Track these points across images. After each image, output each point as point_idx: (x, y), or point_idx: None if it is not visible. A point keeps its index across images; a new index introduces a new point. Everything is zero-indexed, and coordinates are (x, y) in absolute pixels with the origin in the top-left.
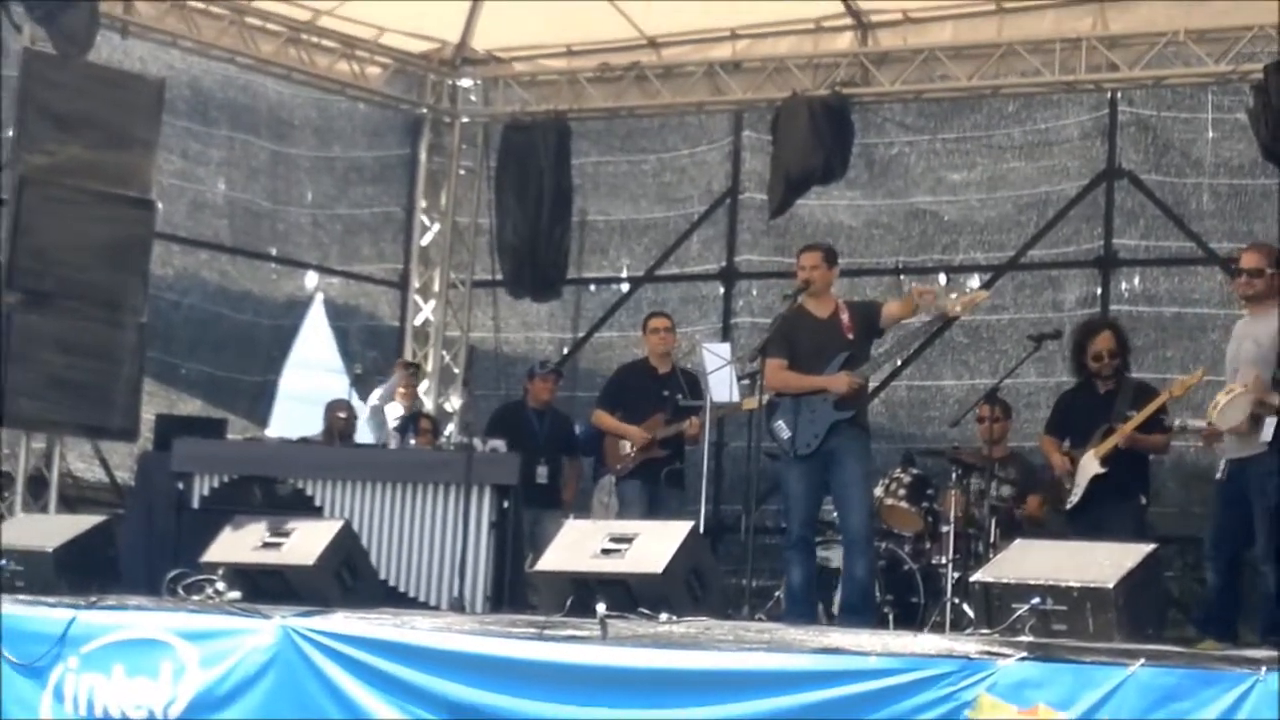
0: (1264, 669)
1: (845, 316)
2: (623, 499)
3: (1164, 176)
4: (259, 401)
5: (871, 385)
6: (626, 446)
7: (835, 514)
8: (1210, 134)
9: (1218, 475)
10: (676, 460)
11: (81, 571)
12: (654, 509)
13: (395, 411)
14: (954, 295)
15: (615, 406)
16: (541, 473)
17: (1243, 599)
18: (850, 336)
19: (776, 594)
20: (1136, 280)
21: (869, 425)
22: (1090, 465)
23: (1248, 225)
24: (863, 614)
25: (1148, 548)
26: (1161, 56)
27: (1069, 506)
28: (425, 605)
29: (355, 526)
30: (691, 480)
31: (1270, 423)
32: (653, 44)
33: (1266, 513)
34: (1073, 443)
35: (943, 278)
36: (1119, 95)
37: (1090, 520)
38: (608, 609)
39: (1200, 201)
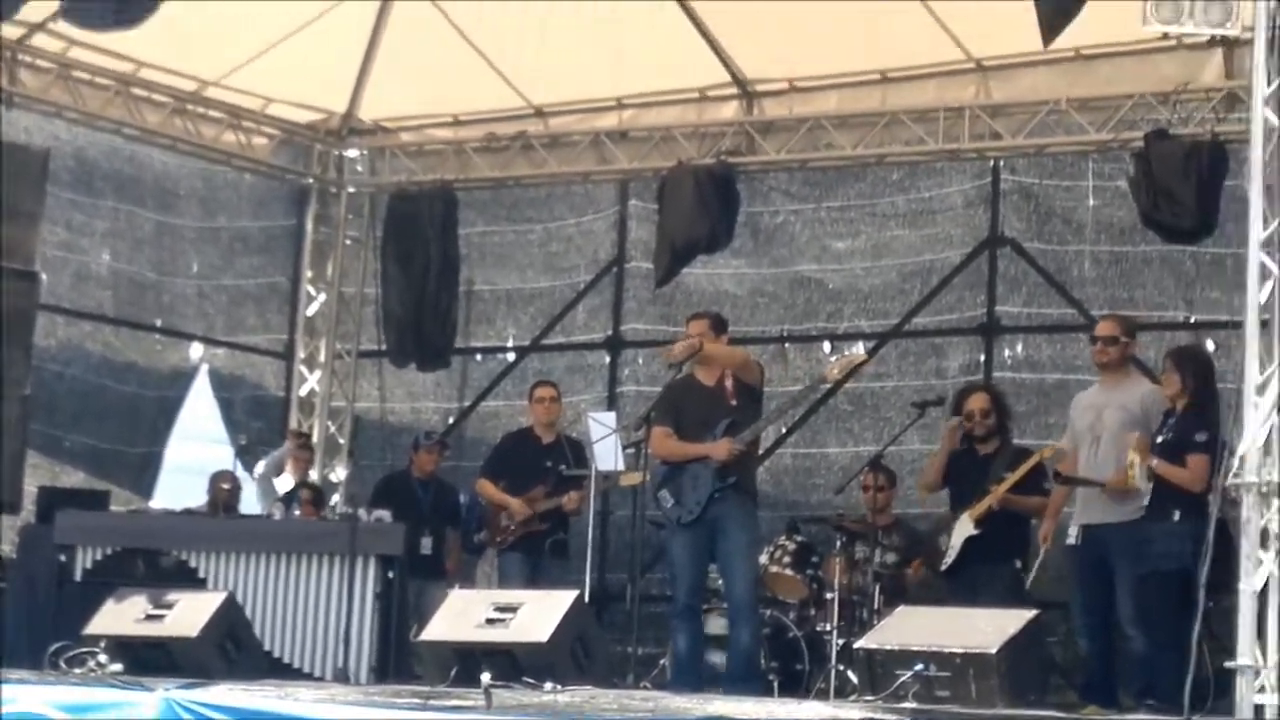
0: None
1: (730, 383)
2: (503, 572)
3: (1046, 244)
4: (143, 473)
5: (759, 452)
6: (506, 518)
7: (720, 582)
8: (1091, 201)
9: (1070, 540)
10: (560, 531)
11: None
12: (536, 580)
13: (287, 483)
14: (834, 358)
15: (499, 475)
16: (426, 543)
17: (1118, 662)
18: (734, 403)
19: (662, 662)
20: (1020, 347)
21: (755, 492)
22: (964, 526)
23: (1129, 292)
24: (749, 682)
25: (1029, 613)
26: (1044, 125)
27: (944, 568)
28: (309, 676)
29: (240, 597)
30: (576, 549)
31: (1148, 490)
32: (539, 113)
33: (1135, 577)
34: (953, 503)
35: (827, 345)
36: (1001, 163)
37: (966, 582)
38: (492, 679)
39: (1082, 268)
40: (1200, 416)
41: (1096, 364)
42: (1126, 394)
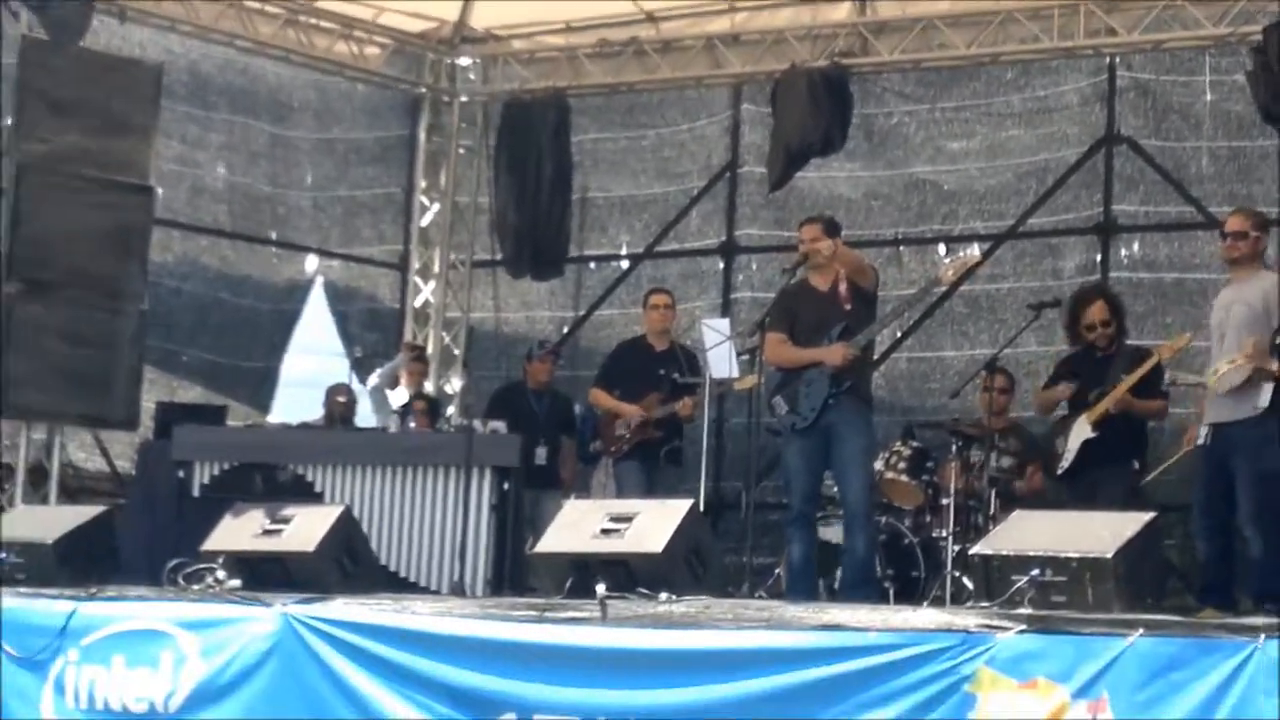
0: (1262, 637)
1: (843, 287)
2: (620, 480)
3: (1163, 141)
4: (260, 387)
5: (873, 357)
6: (622, 426)
7: (836, 489)
8: (1208, 96)
9: (1200, 440)
10: (675, 439)
11: (82, 563)
12: (652, 489)
13: (401, 396)
14: (948, 260)
15: (613, 385)
16: (540, 454)
17: (1236, 565)
18: (848, 307)
19: (777, 571)
20: (1136, 246)
21: (871, 397)
22: (1082, 429)
23: (1247, 188)
24: (864, 589)
25: (1147, 516)
26: (1159, 20)
27: (1060, 471)
28: (425, 590)
29: (355, 511)
30: (692, 457)
31: (1268, 388)
32: (651, 19)
33: (1253, 477)
34: (1071, 408)
35: (942, 248)
36: (1117, 60)
37: (1083, 485)
38: (608, 589)
39: (1199, 165)
40: None
41: (1225, 260)
42: (1252, 289)
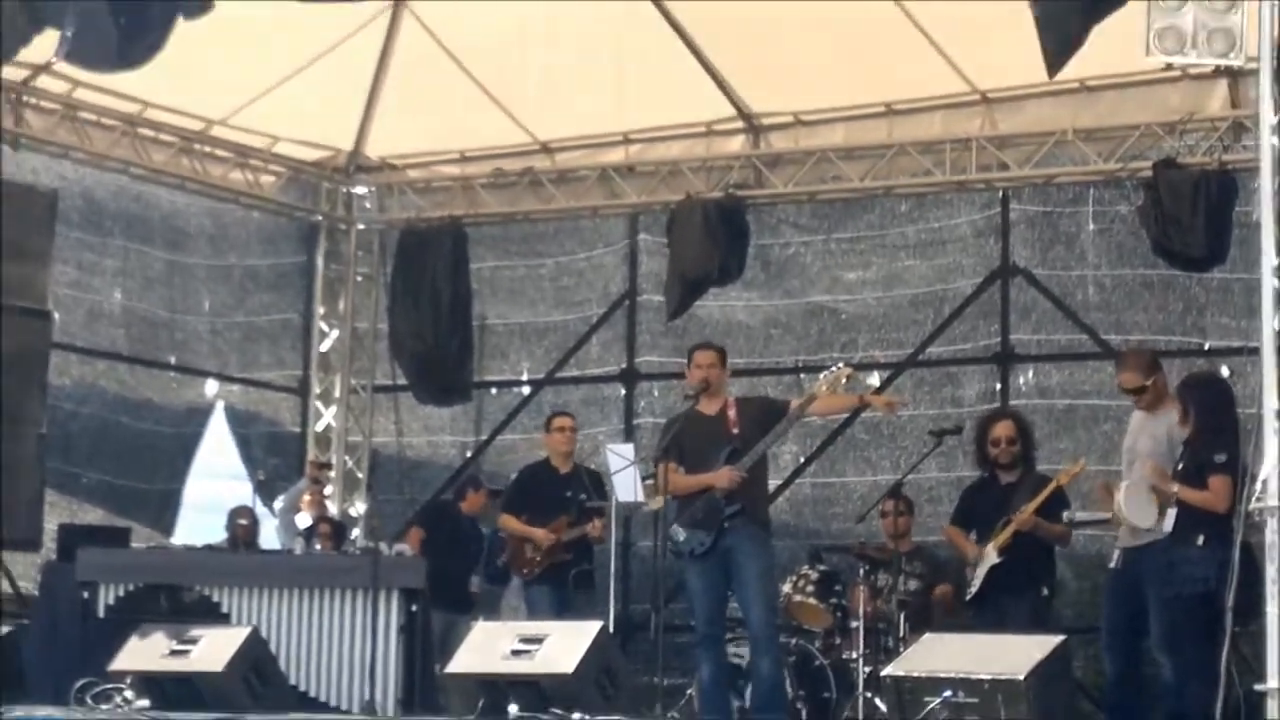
0: None
1: (732, 412)
2: (531, 603)
3: (1050, 270)
4: (163, 510)
5: (774, 483)
6: (531, 549)
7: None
8: (1091, 226)
9: (1112, 564)
10: (584, 561)
11: None
12: (562, 612)
13: (306, 520)
14: (820, 376)
15: (520, 509)
16: (475, 581)
17: (1145, 687)
18: (735, 431)
19: (689, 692)
20: (1030, 374)
21: (768, 520)
22: (989, 556)
23: (1133, 315)
24: (774, 711)
25: (1056, 639)
26: (1050, 155)
27: (968, 597)
28: (336, 710)
29: (263, 632)
30: (600, 580)
31: (1171, 513)
32: (546, 149)
33: (1162, 602)
34: (978, 535)
35: (835, 368)
36: (1009, 193)
37: (992, 610)
38: (520, 710)
39: (1086, 293)
40: (1217, 439)
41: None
42: (1158, 423)
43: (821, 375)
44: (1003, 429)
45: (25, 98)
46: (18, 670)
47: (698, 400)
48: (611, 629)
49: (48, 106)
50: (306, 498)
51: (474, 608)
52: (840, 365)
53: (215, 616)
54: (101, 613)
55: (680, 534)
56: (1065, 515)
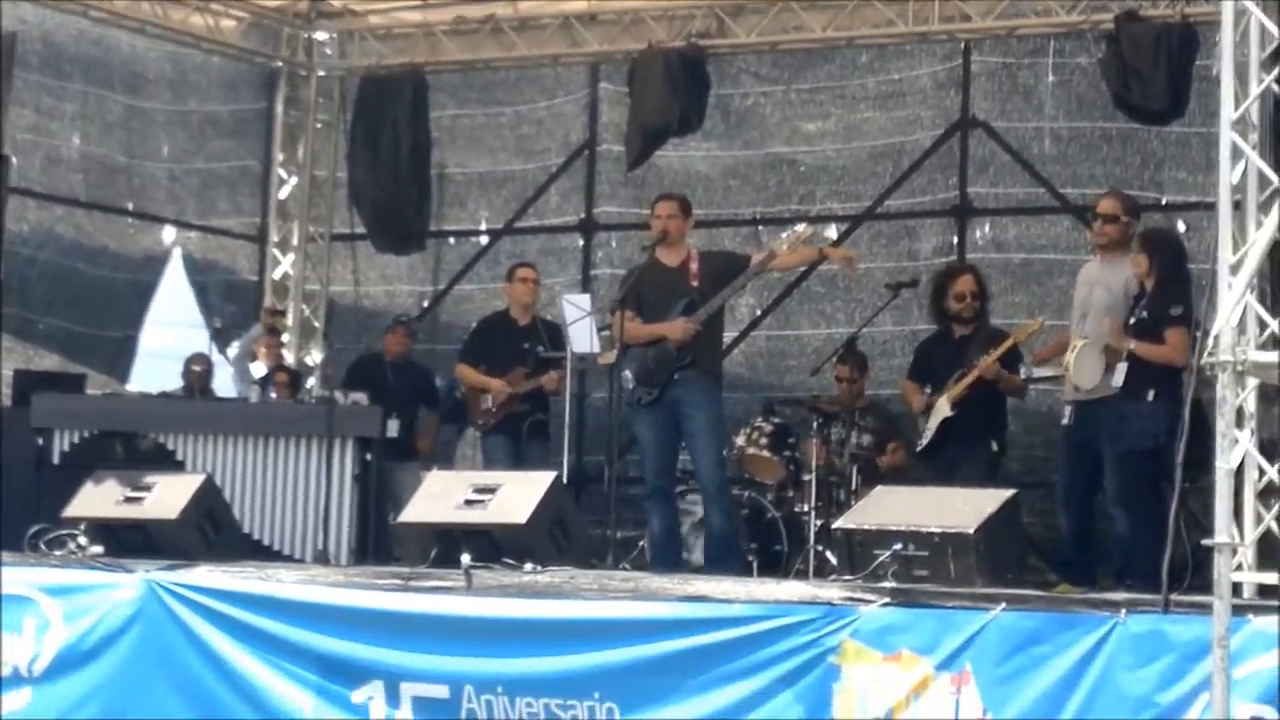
0: (1123, 612)
1: (694, 265)
2: (486, 454)
3: (1008, 123)
4: (118, 357)
5: (729, 336)
6: (488, 400)
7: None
8: (1051, 78)
9: (1064, 420)
10: (539, 413)
11: None
12: (518, 462)
13: (260, 368)
14: (783, 234)
15: (477, 360)
16: (393, 425)
17: (1097, 543)
18: (695, 284)
19: (641, 544)
20: (987, 228)
21: (720, 373)
22: (941, 408)
23: (1090, 169)
24: (726, 562)
25: (1007, 493)
26: (1012, 7)
27: (919, 449)
28: (289, 558)
29: (217, 480)
30: (555, 432)
31: (1121, 368)
32: None
33: (1117, 457)
34: (933, 388)
35: (800, 227)
36: (971, 44)
37: (942, 463)
38: (472, 559)
39: (1043, 146)
40: (1172, 293)
41: (1095, 243)
42: (1115, 274)
43: (784, 234)
44: (964, 283)
45: None
46: None
47: (653, 251)
48: (565, 480)
49: None
50: (263, 348)
51: (415, 456)
52: (802, 226)
53: (170, 464)
54: (56, 459)
55: (629, 381)
56: (1023, 371)
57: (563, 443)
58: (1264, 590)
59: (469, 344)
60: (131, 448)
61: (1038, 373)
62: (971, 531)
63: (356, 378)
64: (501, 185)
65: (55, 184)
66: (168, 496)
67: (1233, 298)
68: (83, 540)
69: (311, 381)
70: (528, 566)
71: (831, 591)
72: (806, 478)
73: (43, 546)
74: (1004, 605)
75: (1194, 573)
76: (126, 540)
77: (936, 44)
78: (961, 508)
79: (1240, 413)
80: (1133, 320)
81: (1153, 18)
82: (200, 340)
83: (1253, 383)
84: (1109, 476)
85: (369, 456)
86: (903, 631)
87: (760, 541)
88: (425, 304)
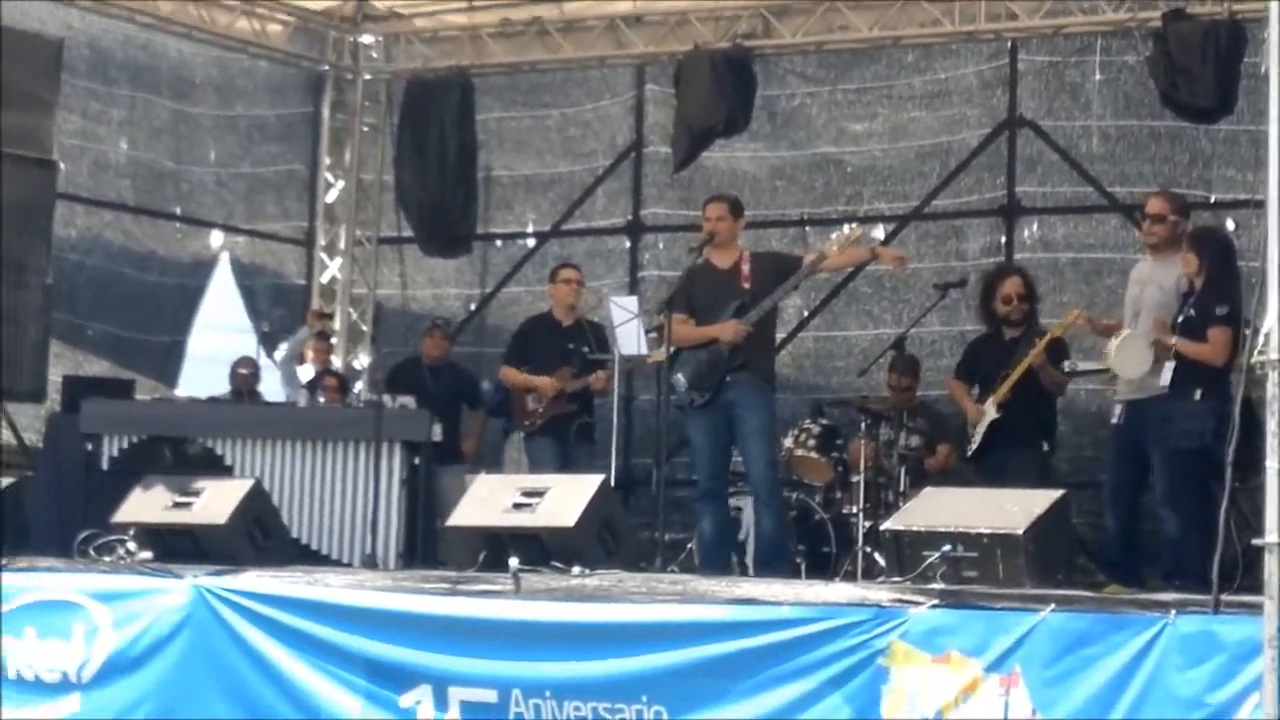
0: (1173, 612)
1: (746, 266)
2: (532, 456)
3: (1055, 121)
4: (167, 362)
5: (778, 337)
6: (533, 401)
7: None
8: (1098, 76)
9: (1114, 420)
10: (586, 415)
11: None
12: (564, 465)
13: (308, 371)
14: (833, 235)
15: (520, 361)
16: (436, 429)
17: (1144, 544)
18: (747, 285)
19: (689, 546)
20: (1035, 227)
21: (772, 375)
22: (988, 412)
23: (1137, 167)
24: (775, 565)
25: (1056, 494)
26: (1059, 5)
27: (969, 454)
28: (337, 562)
29: (266, 485)
30: (602, 435)
31: (1169, 367)
32: None
33: (1164, 457)
34: (980, 390)
35: (847, 228)
36: (1017, 43)
37: (992, 466)
38: (520, 563)
39: (1090, 145)
40: (1219, 292)
41: (1144, 243)
42: (1166, 272)
43: (834, 235)
44: (1012, 286)
45: None
46: (22, 522)
47: (701, 252)
48: (613, 483)
49: None
50: (311, 351)
51: (461, 460)
52: (852, 226)
53: (218, 469)
54: (105, 465)
55: (683, 384)
56: (1066, 365)
57: (609, 446)
58: None
59: (512, 346)
60: (180, 453)
61: (1082, 367)
62: (1020, 532)
63: (396, 382)
64: (548, 188)
65: (103, 189)
66: (216, 502)
67: None
68: (131, 546)
69: (359, 385)
70: (576, 570)
71: (880, 593)
72: (855, 479)
73: (92, 552)
74: (1053, 606)
75: (1244, 573)
76: (175, 545)
77: (983, 43)
78: (1010, 508)
79: None
80: (1180, 319)
81: (1200, 15)
82: (248, 344)
83: None
84: (1157, 476)
85: (416, 460)
86: (951, 633)
87: (808, 543)
88: (472, 307)
